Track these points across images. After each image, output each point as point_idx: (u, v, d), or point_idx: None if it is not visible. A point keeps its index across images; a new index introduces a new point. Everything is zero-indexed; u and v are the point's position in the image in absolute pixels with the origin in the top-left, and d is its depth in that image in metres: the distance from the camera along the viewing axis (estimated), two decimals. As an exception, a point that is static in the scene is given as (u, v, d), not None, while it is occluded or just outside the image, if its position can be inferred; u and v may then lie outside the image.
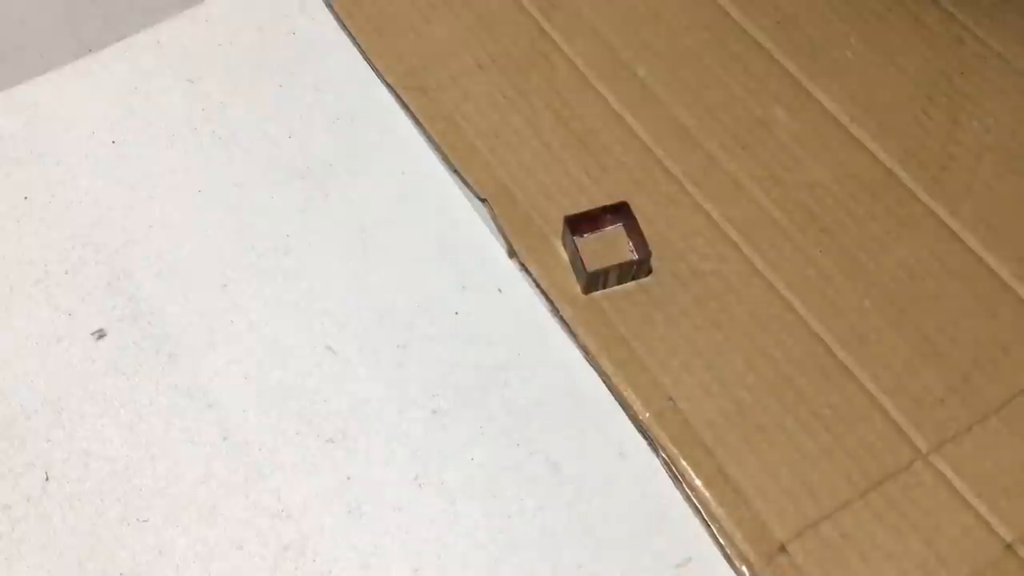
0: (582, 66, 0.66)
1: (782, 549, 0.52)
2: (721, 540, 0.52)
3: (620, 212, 0.59)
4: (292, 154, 0.64)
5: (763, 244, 0.60)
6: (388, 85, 0.66)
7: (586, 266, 0.57)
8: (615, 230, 0.60)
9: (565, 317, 0.58)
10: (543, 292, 0.59)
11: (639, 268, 0.57)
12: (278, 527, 0.52)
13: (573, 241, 0.58)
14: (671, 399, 0.55)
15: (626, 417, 0.55)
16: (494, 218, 0.61)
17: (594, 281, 0.57)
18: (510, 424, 0.55)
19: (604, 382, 0.56)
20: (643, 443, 0.55)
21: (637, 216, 0.59)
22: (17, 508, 0.52)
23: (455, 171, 0.63)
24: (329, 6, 0.69)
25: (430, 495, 0.53)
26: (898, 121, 0.63)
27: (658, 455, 0.54)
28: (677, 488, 0.53)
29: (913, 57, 0.66)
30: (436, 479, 0.53)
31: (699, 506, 0.53)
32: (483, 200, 0.62)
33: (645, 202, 0.61)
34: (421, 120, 0.64)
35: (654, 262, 0.58)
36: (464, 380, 0.56)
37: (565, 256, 0.59)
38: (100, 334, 0.57)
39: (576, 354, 0.57)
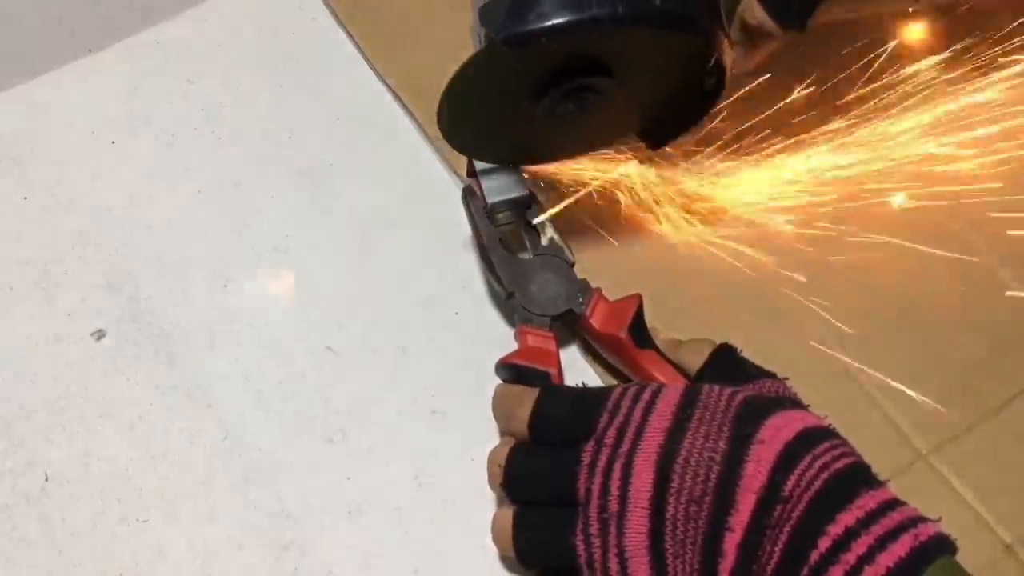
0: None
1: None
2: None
3: None
4: (292, 154, 0.64)
5: (765, 248, 0.59)
6: (388, 85, 0.66)
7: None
8: None
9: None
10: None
11: None
12: (278, 527, 0.52)
13: None
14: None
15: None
16: (494, 218, 0.61)
17: None
18: (510, 424, 0.55)
19: (603, 382, 0.56)
20: (643, 443, 0.55)
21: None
22: (17, 508, 0.52)
23: (455, 171, 0.63)
24: (329, 6, 0.69)
25: (430, 495, 0.53)
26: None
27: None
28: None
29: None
30: (436, 479, 0.54)
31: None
32: (483, 200, 0.62)
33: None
34: (421, 120, 0.64)
35: (655, 274, 0.58)
36: (464, 380, 0.56)
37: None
38: (100, 334, 0.57)
39: (576, 354, 0.57)
